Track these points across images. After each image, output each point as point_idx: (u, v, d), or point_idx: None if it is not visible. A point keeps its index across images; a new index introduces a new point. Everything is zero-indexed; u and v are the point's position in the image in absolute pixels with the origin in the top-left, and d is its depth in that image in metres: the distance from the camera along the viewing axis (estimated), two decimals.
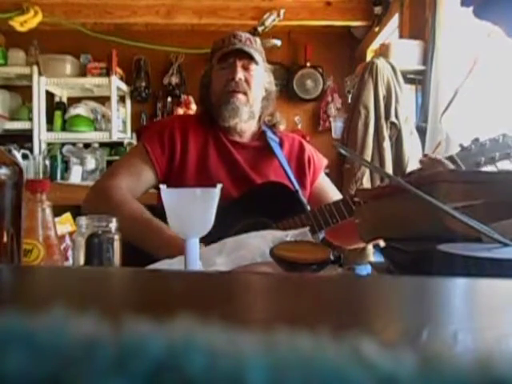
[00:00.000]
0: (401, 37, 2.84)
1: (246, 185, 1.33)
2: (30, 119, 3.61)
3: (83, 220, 0.83)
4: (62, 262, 0.87)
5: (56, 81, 3.61)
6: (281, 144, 1.44)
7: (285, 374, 0.14)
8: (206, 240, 0.89)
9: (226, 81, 1.35)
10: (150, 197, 1.37)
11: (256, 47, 1.39)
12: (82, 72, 3.67)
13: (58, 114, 3.71)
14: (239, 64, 1.35)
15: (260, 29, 3.50)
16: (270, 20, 3.48)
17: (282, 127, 1.61)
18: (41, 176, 3.47)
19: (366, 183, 2.32)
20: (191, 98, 3.71)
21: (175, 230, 0.81)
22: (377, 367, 0.14)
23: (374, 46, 3.36)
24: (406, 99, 2.42)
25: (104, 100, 3.71)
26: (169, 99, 3.89)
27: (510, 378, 0.13)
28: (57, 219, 1.14)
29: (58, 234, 0.88)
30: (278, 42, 3.75)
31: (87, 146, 3.62)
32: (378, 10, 3.27)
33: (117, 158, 3.42)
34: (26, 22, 3.42)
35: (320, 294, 0.36)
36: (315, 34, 3.81)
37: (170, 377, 0.14)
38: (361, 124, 2.34)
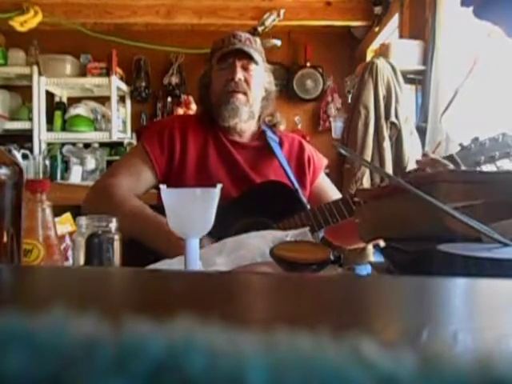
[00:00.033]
0: (401, 37, 2.84)
1: (245, 185, 1.33)
2: (30, 119, 3.61)
3: (83, 220, 0.83)
4: (62, 261, 0.87)
5: (56, 81, 3.61)
6: (280, 144, 1.44)
7: (285, 374, 0.14)
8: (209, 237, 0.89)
9: (226, 81, 1.35)
10: (150, 197, 1.37)
11: (256, 47, 1.39)
12: (82, 72, 3.67)
13: (57, 114, 3.71)
14: (239, 64, 1.35)
15: (260, 29, 3.50)
16: (270, 20, 3.48)
17: (282, 127, 1.61)
18: (41, 176, 3.47)
19: (366, 183, 2.32)
20: (191, 98, 3.71)
21: (175, 230, 0.81)
22: (377, 367, 0.14)
23: (374, 46, 3.36)
24: (406, 99, 2.42)
25: (104, 100, 3.71)
26: (169, 99, 3.89)
27: (510, 378, 0.13)
28: (57, 219, 1.14)
29: (58, 233, 0.88)
30: (278, 42, 3.75)
31: (87, 145, 3.62)
32: (378, 10, 3.27)
33: (117, 158, 3.42)
34: (26, 21, 3.42)
35: (320, 294, 0.36)
36: (315, 33, 3.81)
37: (169, 377, 0.14)
38: (361, 124, 2.34)
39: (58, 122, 3.68)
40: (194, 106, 3.67)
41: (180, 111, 3.74)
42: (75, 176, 3.45)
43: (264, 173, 1.37)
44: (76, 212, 1.15)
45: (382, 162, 2.30)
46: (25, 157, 3.43)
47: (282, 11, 3.48)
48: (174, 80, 3.89)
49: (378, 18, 3.29)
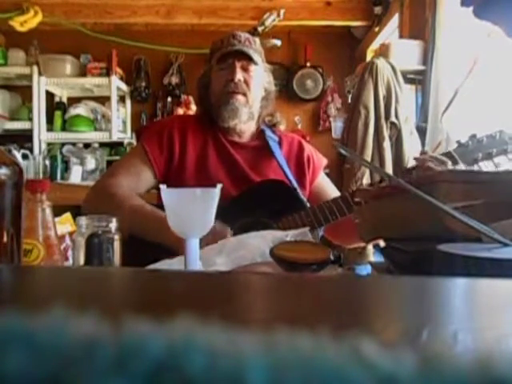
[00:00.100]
0: (401, 37, 2.84)
1: (245, 184, 1.33)
2: (30, 119, 3.61)
3: (83, 220, 0.83)
4: (62, 262, 0.87)
5: (56, 81, 3.61)
6: (280, 143, 1.44)
7: (285, 374, 0.14)
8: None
9: (226, 81, 1.35)
10: (150, 197, 1.37)
11: (255, 47, 1.39)
12: (82, 72, 3.67)
13: (57, 114, 3.71)
14: (238, 65, 1.35)
15: (260, 29, 3.50)
16: (270, 20, 3.48)
17: (282, 127, 1.61)
18: (41, 176, 3.47)
19: (366, 183, 2.32)
20: (191, 98, 3.71)
21: (175, 230, 0.81)
22: (377, 367, 0.14)
23: (374, 46, 3.36)
24: (406, 99, 2.42)
25: (104, 100, 3.71)
26: (169, 99, 3.89)
27: (510, 378, 0.13)
28: (57, 219, 1.14)
29: (58, 233, 0.88)
30: (278, 42, 3.75)
31: (87, 146, 3.62)
32: (377, 9, 3.27)
33: (117, 158, 3.42)
34: (26, 21, 3.42)
35: (320, 294, 0.36)
36: (315, 33, 3.81)
37: (169, 377, 0.14)
38: (361, 124, 2.34)
39: (58, 122, 3.68)
40: (193, 106, 3.67)
41: (180, 111, 3.74)
42: (75, 176, 3.45)
43: (263, 172, 1.37)
44: (76, 212, 1.15)
45: (382, 162, 2.30)
46: (25, 157, 3.43)
47: (282, 11, 3.48)
48: (174, 80, 3.89)
49: (378, 18, 3.29)
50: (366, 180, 2.31)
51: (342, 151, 0.96)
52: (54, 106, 3.78)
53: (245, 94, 1.36)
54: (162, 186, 0.80)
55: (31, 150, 3.54)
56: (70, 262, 0.99)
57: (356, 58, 3.73)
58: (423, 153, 1.10)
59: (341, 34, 3.82)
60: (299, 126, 3.92)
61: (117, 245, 0.83)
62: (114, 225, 0.84)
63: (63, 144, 3.63)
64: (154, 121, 3.68)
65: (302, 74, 3.89)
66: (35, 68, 3.55)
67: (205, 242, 0.95)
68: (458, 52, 2.28)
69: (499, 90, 2.09)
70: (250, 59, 1.36)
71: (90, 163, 3.54)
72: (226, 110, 1.35)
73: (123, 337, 0.15)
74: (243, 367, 0.14)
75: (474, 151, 1.08)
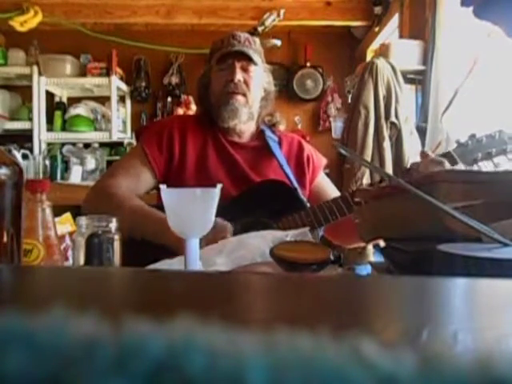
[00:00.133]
0: (401, 37, 2.84)
1: (245, 184, 1.33)
2: (30, 119, 3.61)
3: (83, 220, 0.83)
4: (62, 261, 0.87)
5: (56, 81, 3.61)
6: (280, 143, 1.44)
7: (285, 374, 0.14)
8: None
9: (225, 82, 1.35)
10: (150, 197, 1.37)
11: (255, 48, 1.39)
12: (82, 72, 3.67)
13: (57, 114, 3.71)
14: (238, 65, 1.35)
15: (260, 29, 3.50)
16: (270, 20, 3.48)
17: (282, 127, 1.61)
18: (41, 176, 3.47)
19: (366, 183, 2.32)
20: (191, 98, 3.71)
21: (175, 230, 0.81)
22: (377, 367, 0.14)
23: (374, 46, 3.36)
24: (406, 99, 2.42)
25: (104, 100, 3.71)
26: (169, 99, 3.89)
27: (510, 378, 0.13)
28: (57, 219, 1.14)
29: (58, 233, 0.88)
30: (278, 42, 3.75)
31: (87, 146, 3.62)
32: (378, 9, 3.27)
33: (117, 158, 3.42)
34: (26, 21, 3.42)
35: (320, 294, 0.36)
36: (315, 33, 3.81)
37: (169, 377, 0.14)
38: (361, 124, 2.35)
39: (58, 122, 3.68)
40: (193, 106, 3.67)
41: (180, 111, 3.74)
42: (75, 176, 3.45)
43: (263, 172, 1.37)
44: (76, 212, 1.15)
45: (382, 162, 2.30)
46: (25, 157, 3.43)
47: (282, 11, 3.48)
48: (174, 80, 3.89)
49: (378, 18, 3.29)
50: (366, 180, 2.31)
51: (342, 151, 0.96)
52: (54, 106, 3.78)
53: (244, 95, 1.36)
54: (162, 186, 0.80)
55: (31, 150, 3.54)
56: (70, 261, 0.99)
57: (356, 58, 3.73)
58: (423, 153, 1.10)
59: (341, 34, 3.82)
60: (299, 126, 3.92)
61: (117, 245, 0.83)
62: (113, 225, 0.84)
63: (63, 144, 3.63)
64: (154, 121, 3.68)
65: (301, 74, 3.89)
66: (35, 68, 3.55)
67: (205, 241, 0.95)
68: (458, 52, 2.28)
69: (499, 90, 2.09)
70: (249, 59, 1.36)
71: (90, 163, 3.54)
72: (226, 111, 1.35)
73: (123, 337, 0.15)
74: (243, 367, 0.14)
75: (473, 151, 1.09)
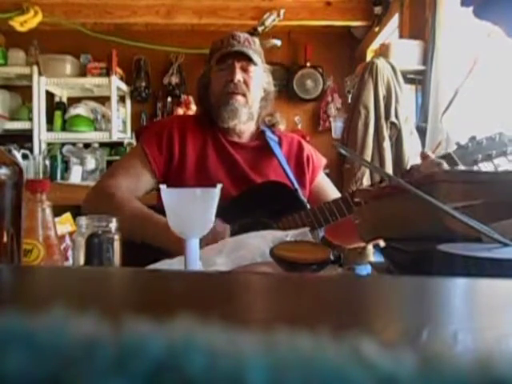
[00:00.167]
0: (401, 37, 2.84)
1: (245, 185, 1.33)
2: (30, 119, 3.61)
3: (83, 220, 0.83)
4: (62, 261, 0.87)
5: (56, 81, 3.61)
6: (280, 143, 1.44)
7: (285, 374, 0.14)
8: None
9: (225, 82, 1.35)
10: (150, 197, 1.37)
11: (255, 48, 1.39)
12: (82, 72, 3.67)
13: (57, 114, 3.71)
14: (238, 65, 1.35)
15: (260, 29, 3.50)
16: (270, 20, 3.48)
17: (282, 127, 1.61)
18: (41, 176, 3.47)
19: (366, 183, 2.32)
20: (191, 98, 3.71)
21: (175, 230, 0.81)
22: (377, 367, 0.14)
23: (374, 46, 3.36)
24: (406, 99, 2.42)
25: (104, 100, 3.71)
26: (169, 99, 3.89)
27: (510, 378, 0.13)
28: (57, 219, 1.14)
29: (58, 233, 0.88)
30: (278, 42, 3.75)
31: (87, 146, 3.62)
32: (377, 10, 3.27)
33: (117, 158, 3.42)
34: (26, 21, 3.42)
35: (320, 294, 0.36)
36: (315, 33, 3.81)
37: (169, 377, 0.14)
38: (361, 124, 2.35)
39: (58, 122, 3.68)
40: (193, 106, 3.67)
41: (180, 111, 3.74)
42: (75, 176, 3.45)
43: (263, 173, 1.37)
44: (76, 212, 1.15)
45: (382, 162, 2.30)
46: (25, 157, 3.43)
47: (282, 11, 3.48)
48: (174, 80, 3.89)
49: (378, 18, 3.29)
50: (366, 180, 2.31)
51: (342, 151, 0.96)
52: (54, 106, 3.78)
53: (244, 95, 1.36)
54: (162, 186, 0.80)
55: (31, 150, 3.54)
56: (70, 261, 0.99)
57: (356, 58, 3.73)
58: (424, 154, 1.10)
59: (341, 34, 3.82)
60: (299, 126, 3.92)
61: (117, 245, 0.83)
62: (114, 225, 0.84)
63: (63, 144, 3.63)
64: (154, 121, 3.68)
65: (301, 73, 3.89)
66: (35, 68, 3.55)
67: (205, 241, 0.95)
68: (458, 52, 2.28)
69: (499, 90, 2.09)
70: (249, 60, 1.36)
71: (90, 163, 3.54)
72: (226, 111, 1.35)
73: (123, 337, 0.15)
74: (243, 367, 0.14)
75: (473, 153, 1.09)
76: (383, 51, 2.52)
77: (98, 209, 1.09)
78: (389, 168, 2.28)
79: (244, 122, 1.38)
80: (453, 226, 0.63)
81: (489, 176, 0.79)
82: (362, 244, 1.28)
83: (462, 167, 1.08)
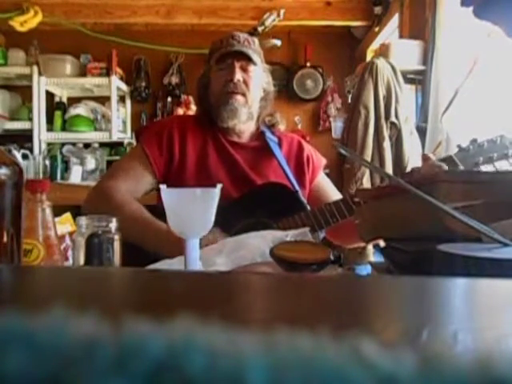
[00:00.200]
0: (401, 37, 2.85)
1: (245, 185, 1.33)
2: (30, 119, 3.61)
3: (83, 220, 0.83)
4: (62, 261, 0.87)
5: (56, 81, 3.61)
6: (280, 144, 1.44)
7: (285, 374, 0.14)
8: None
9: (225, 82, 1.35)
10: (150, 197, 1.37)
11: (254, 48, 1.39)
12: (82, 72, 3.67)
13: (57, 114, 3.71)
14: (237, 65, 1.35)
15: (260, 29, 3.50)
16: (270, 20, 3.48)
17: (281, 127, 1.61)
18: (41, 176, 3.47)
19: (366, 183, 2.32)
20: (191, 98, 3.71)
21: (175, 230, 0.81)
22: (377, 367, 0.14)
23: (374, 46, 3.36)
24: (406, 99, 2.42)
25: (104, 100, 3.71)
26: (169, 99, 3.89)
27: (510, 378, 0.13)
28: (57, 219, 1.14)
29: (58, 233, 0.88)
30: (278, 42, 3.75)
31: (87, 146, 3.62)
32: (378, 9, 3.27)
33: (117, 158, 3.42)
34: (26, 21, 3.42)
35: (320, 294, 0.36)
36: (315, 33, 3.81)
37: (169, 377, 0.14)
38: (361, 124, 2.35)
39: (58, 122, 3.68)
40: (193, 106, 3.67)
41: (180, 111, 3.74)
42: (75, 176, 3.45)
43: (264, 173, 1.37)
44: (76, 212, 1.15)
45: (382, 162, 2.30)
46: (25, 157, 3.43)
47: (282, 11, 3.48)
48: (174, 80, 3.89)
49: (378, 18, 3.29)
50: (366, 180, 2.31)
51: (342, 151, 0.96)
52: (54, 106, 3.78)
53: (244, 94, 1.36)
54: (162, 186, 0.80)
55: (31, 150, 3.54)
56: (70, 261, 0.99)
57: (356, 58, 3.73)
58: (425, 156, 1.10)
59: (341, 34, 3.82)
60: (299, 126, 3.92)
61: (117, 245, 0.83)
62: (114, 225, 0.84)
63: (63, 144, 3.63)
64: (154, 121, 3.68)
65: (301, 74, 3.89)
66: (35, 68, 3.55)
67: (204, 242, 0.95)
68: (458, 52, 2.28)
69: (499, 90, 2.09)
70: (249, 59, 1.36)
71: (90, 163, 3.54)
72: (226, 111, 1.35)
73: (123, 337, 0.15)
74: (243, 367, 0.14)
75: (474, 155, 1.08)
76: (383, 51, 2.52)
77: (98, 210, 1.09)
78: (389, 168, 2.28)
79: (243, 121, 1.38)
80: (453, 226, 0.63)
81: (489, 176, 0.79)
82: (362, 244, 1.28)
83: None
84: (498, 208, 0.67)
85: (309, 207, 1.33)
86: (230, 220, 1.19)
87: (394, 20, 3.02)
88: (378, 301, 0.36)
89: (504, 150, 1.07)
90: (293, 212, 1.25)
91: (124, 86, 3.81)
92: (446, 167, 1.04)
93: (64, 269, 0.77)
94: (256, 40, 1.44)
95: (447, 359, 0.14)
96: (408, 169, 2.20)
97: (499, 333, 0.25)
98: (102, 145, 3.63)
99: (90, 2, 3.49)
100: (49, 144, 3.65)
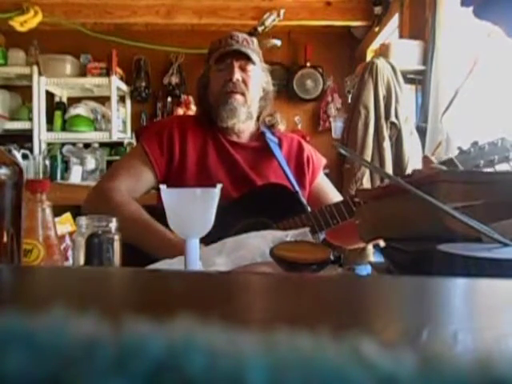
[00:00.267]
0: (401, 37, 2.85)
1: (245, 185, 1.33)
2: (30, 119, 3.61)
3: (83, 220, 0.83)
4: (62, 262, 0.87)
5: (56, 81, 3.61)
6: (280, 144, 1.45)
7: (285, 374, 0.14)
8: (206, 240, 0.89)
9: (224, 81, 1.35)
10: (150, 197, 1.37)
11: (253, 48, 1.39)
12: (82, 72, 3.67)
13: (57, 114, 3.71)
14: (236, 65, 1.35)
15: (260, 29, 3.50)
16: (270, 20, 3.48)
17: (281, 127, 1.61)
18: (41, 176, 3.47)
19: (366, 183, 2.32)
20: (191, 98, 3.71)
21: (175, 230, 0.81)
22: (377, 367, 0.14)
23: (374, 46, 3.36)
24: (406, 99, 2.42)
25: (104, 100, 3.71)
26: (169, 99, 3.89)
27: (510, 378, 0.13)
28: (57, 219, 1.14)
29: (58, 233, 0.88)
30: (278, 42, 3.75)
31: (87, 146, 3.62)
32: (377, 10, 3.27)
33: (117, 158, 3.42)
34: (26, 21, 3.42)
35: (320, 294, 0.36)
36: (315, 33, 3.81)
37: (169, 377, 0.14)
38: (361, 124, 2.35)
39: (58, 122, 3.68)
40: (193, 106, 3.67)
41: (180, 111, 3.74)
42: (75, 176, 3.45)
43: (264, 173, 1.37)
44: (76, 212, 1.15)
45: (382, 162, 2.30)
46: (25, 157, 3.43)
47: (282, 11, 3.48)
48: (174, 80, 3.89)
49: (378, 18, 3.29)
50: (366, 180, 2.31)
51: (342, 151, 0.96)
52: (54, 106, 3.78)
53: (243, 94, 1.36)
54: (162, 186, 0.80)
55: (31, 150, 3.54)
56: (70, 261, 0.99)
57: (356, 58, 3.73)
58: (426, 158, 1.10)
59: (341, 34, 3.82)
60: (299, 126, 3.92)
61: (117, 245, 0.83)
62: (114, 225, 0.84)
63: (63, 144, 3.63)
64: (154, 121, 3.68)
65: (301, 74, 3.89)
66: (35, 68, 3.55)
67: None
68: (458, 52, 2.28)
69: (499, 90, 2.09)
70: (248, 59, 1.36)
71: (90, 163, 3.54)
72: (225, 110, 1.35)
73: (123, 337, 0.15)
74: (243, 367, 0.14)
75: (475, 158, 1.08)
76: (383, 51, 2.52)
77: (98, 210, 1.09)
78: (389, 168, 2.28)
79: (243, 121, 1.38)
80: (453, 225, 0.63)
81: (489, 176, 0.79)
82: (362, 244, 1.28)
83: None
84: (497, 208, 0.67)
85: (308, 208, 1.33)
86: (230, 220, 1.19)
87: (394, 20, 3.02)
88: (377, 301, 0.36)
89: (505, 152, 1.07)
90: (293, 213, 1.25)
91: (124, 86, 3.81)
92: (440, 167, 1.04)
93: (64, 269, 0.77)
94: (255, 40, 1.44)
95: (447, 359, 0.14)
96: (408, 169, 2.20)
97: (499, 333, 0.25)
98: (102, 145, 3.63)
99: (90, 2, 3.49)
100: (49, 144, 3.65)
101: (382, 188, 0.91)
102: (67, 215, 1.36)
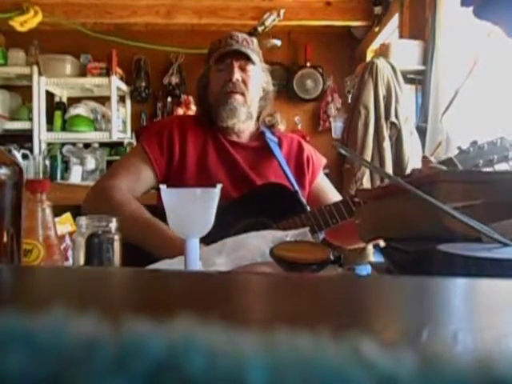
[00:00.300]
0: (401, 37, 2.85)
1: (245, 185, 1.33)
2: (30, 119, 3.61)
3: (83, 220, 0.83)
4: (62, 262, 0.87)
5: (56, 81, 3.61)
6: (280, 144, 1.45)
7: (285, 374, 0.14)
8: (206, 240, 0.89)
9: (224, 81, 1.35)
10: (150, 197, 1.37)
11: (253, 48, 1.39)
12: (82, 72, 3.67)
13: (58, 114, 3.71)
14: (236, 65, 1.35)
15: (260, 29, 3.50)
16: (270, 20, 3.48)
17: (281, 127, 1.61)
18: (41, 176, 3.47)
19: (366, 183, 2.32)
20: (191, 98, 3.71)
21: (175, 230, 0.81)
22: (377, 367, 0.14)
23: (374, 46, 3.36)
24: (406, 99, 2.42)
25: (104, 100, 3.71)
26: (169, 99, 3.89)
27: (510, 378, 0.13)
28: (57, 219, 1.14)
29: (58, 233, 0.88)
30: (278, 42, 3.75)
31: (87, 146, 3.62)
32: (377, 10, 3.27)
33: (117, 158, 3.42)
34: (26, 21, 3.42)
35: (320, 294, 0.36)
36: (315, 33, 3.81)
37: (169, 377, 0.14)
38: (361, 124, 2.35)
39: (58, 122, 3.68)
40: (193, 106, 3.67)
41: (180, 111, 3.74)
42: (75, 176, 3.45)
43: (263, 173, 1.37)
44: (76, 212, 1.15)
45: (382, 162, 2.30)
46: (25, 157, 3.43)
47: (282, 11, 3.48)
48: (174, 80, 3.89)
49: (378, 18, 3.29)
50: (366, 180, 2.31)
51: (342, 151, 0.96)
52: (54, 106, 3.78)
53: (243, 94, 1.36)
54: (162, 186, 0.80)
55: (31, 150, 3.55)
56: (70, 261, 0.99)
57: (356, 58, 3.73)
58: (425, 158, 1.10)
59: (341, 34, 3.82)
60: (299, 126, 3.92)
61: (117, 245, 0.83)
62: (114, 225, 0.84)
63: (63, 144, 3.63)
64: (154, 121, 3.68)
65: (301, 74, 3.89)
66: (35, 68, 3.56)
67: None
68: (458, 52, 2.28)
69: (499, 90, 2.09)
70: (247, 59, 1.36)
71: (90, 163, 3.54)
72: (225, 110, 1.35)
73: (123, 337, 0.15)
74: (243, 367, 0.14)
75: (475, 158, 1.08)
76: (383, 51, 2.52)
77: (98, 209, 1.09)
78: (389, 168, 2.28)
79: (243, 121, 1.38)
80: (453, 225, 0.63)
81: (489, 176, 0.79)
82: (362, 244, 1.28)
83: None
84: (497, 208, 0.67)
85: (308, 208, 1.33)
86: (230, 220, 1.19)
87: (394, 20, 3.02)
88: (377, 301, 0.36)
89: (504, 152, 1.07)
90: (292, 213, 1.25)
91: (124, 86, 3.81)
92: (440, 167, 1.04)
93: (64, 269, 0.77)
94: (255, 40, 1.44)
95: (447, 359, 0.14)
96: (408, 169, 2.20)
97: (499, 333, 0.25)
98: (102, 145, 3.63)
99: (90, 1, 3.49)
100: (49, 144, 3.65)
101: (381, 188, 0.91)
102: (67, 215, 1.36)
